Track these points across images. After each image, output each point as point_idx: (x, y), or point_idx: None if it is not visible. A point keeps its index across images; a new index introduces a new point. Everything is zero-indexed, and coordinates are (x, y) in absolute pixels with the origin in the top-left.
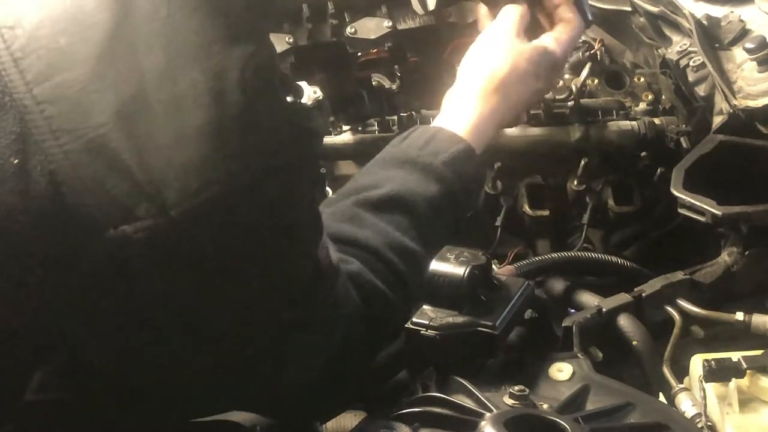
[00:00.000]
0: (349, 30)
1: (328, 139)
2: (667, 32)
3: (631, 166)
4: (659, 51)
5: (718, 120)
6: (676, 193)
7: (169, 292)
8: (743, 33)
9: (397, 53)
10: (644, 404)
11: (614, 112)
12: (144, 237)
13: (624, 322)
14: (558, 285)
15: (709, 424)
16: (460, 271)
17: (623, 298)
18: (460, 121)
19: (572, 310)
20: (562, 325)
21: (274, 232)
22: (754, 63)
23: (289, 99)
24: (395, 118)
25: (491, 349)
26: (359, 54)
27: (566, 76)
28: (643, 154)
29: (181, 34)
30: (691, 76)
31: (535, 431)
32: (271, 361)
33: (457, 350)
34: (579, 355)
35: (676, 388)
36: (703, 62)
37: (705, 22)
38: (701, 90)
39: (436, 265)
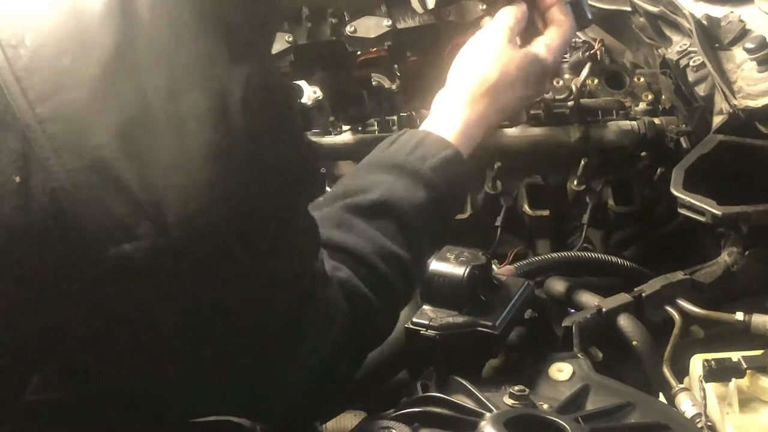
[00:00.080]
0: (348, 29)
1: (328, 139)
2: (667, 32)
3: (631, 166)
4: (659, 51)
5: (718, 120)
6: (676, 193)
7: (168, 310)
8: (743, 33)
9: (397, 52)
10: (644, 404)
11: (614, 112)
12: (144, 255)
13: (624, 322)
14: (558, 285)
15: (709, 424)
16: (460, 271)
17: (623, 298)
18: (449, 125)
19: (572, 310)
20: (562, 325)
21: (274, 251)
22: (754, 63)
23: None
24: (395, 118)
25: (491, 349)
26: (358, 53)
27: (566, 76)
28: (643, 154)
29: (184, 55)
30: (691, 76)
31: (534, 431)
32: (264, 369)
33: (457, 350)
34: (579, 355)
35: (676, 388)
36: (703, 62)
37: (705, 22)
38: (701, 90)
39: (436, 265)
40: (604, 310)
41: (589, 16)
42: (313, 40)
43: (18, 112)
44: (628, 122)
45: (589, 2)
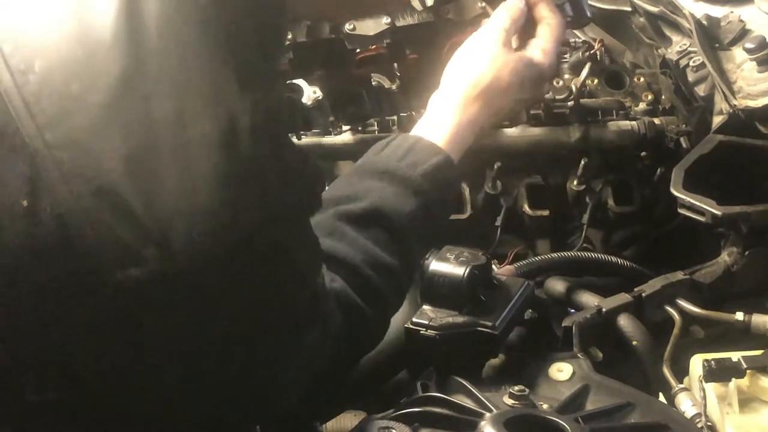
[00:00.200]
0: (347, 26)
1: (328, 139)
2: (667, 32)
3: (631, 166)
4: (659, 51)
5: (718, 120)
6: (676, 193)
7: (174, 330)
8: (743, 33)
9: (396, 50)
10: (644, 404)
11: (614, 112)
12: (150, 279)
13: (624, 322)
14: (558, 285)
15: (709, 424)
16: (460, 271)
17: (623, 298)
18: (440, 129)
19: (572, 310)
20: (562, 325)
21: (279, 272)
22: (754, 63)
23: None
24: (395, 118)
25: (491, 349)
26: (357, 50)
27: (566, 76)
28: (643, 154)
29: (192, 82)
30: (691, 76)
31: (534, 431)
32: (265, 382)
33: (457, 350)
34: (579, 355)
35: (676, 388)
36: (703, 62)
37: (705, 22)
38: (701, 90)
39: (436, 265)
40: (604, 310)
41: (588, 14)
42: (312, 37)
43: (27, 137)
44: (628, 122)
45: (589, 2)
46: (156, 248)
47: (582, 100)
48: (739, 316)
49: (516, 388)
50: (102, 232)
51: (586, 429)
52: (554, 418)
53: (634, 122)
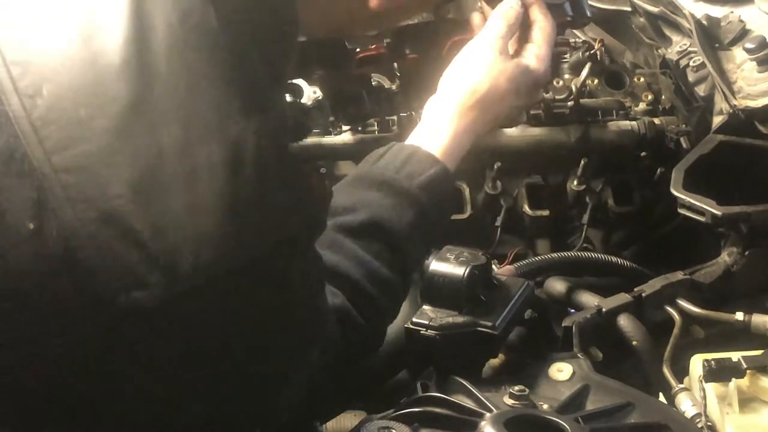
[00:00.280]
0: None
1: (328, 139)
2: (667, 32)
3: (631, 166)
4: (659, 51)
5: (718, 120)
6: (676, 193)
7: (178, 353)
8: (743, 33)
9: (396, 50)
10: (644, 404)
11: (614, 112)
12: (155, 304)
13: (624, 322)
14: (558, 285)
15: (709, 424)
16: (460, 271)
17: (623, 298)
18: (437, 137)
19: (572, 310)
20: (562, 325)
21: (284, 299)
22: (754, 63)
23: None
24: (395, 118)
25: (491, 349)
26: (357, 50)
27: (566, 76)
28: (643, 154)
29: (200, 108)
30: (691, 76)
31: (534, 431)
32: (265, 398)
33: (457, 350)
34: (579, 355)
35: (676, 388)
36: (703, 62)
37: (705, 22)
38: (701, 90)
39: (436, 265)
40: (604, 310)
41: (588, 14)
42: (312, 37)
43: (34, 160)
44: (628, 122)
45: (589, 2)
46: (161, 273)
47: (582, 100)
48: (739, 316)
49: (516, 388)
50: (107, 257)
51: (586, 429)
52: (554, 418)
53: (634, 122)
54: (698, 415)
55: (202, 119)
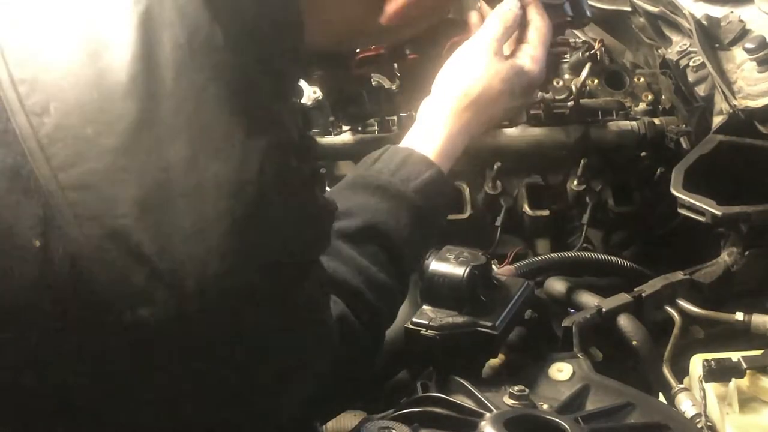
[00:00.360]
0: None
1: (328, 139)
2: (667, 32)
3: (631, 166)
4: (659, 51)
5: (718, 120)
6: (676, 193)
7: (183, 368)
8: (743, 33)
9: (396, 50)
10: (644, 404)
11: (614, 112)
12: (160, 321)
13: (624, 322)
14: (558, 285)
15: (709, 424)
16: (460, 271)
17: (623, 298)
18: (431, 140)
19: (572, 310)
20: (562, 325)
21: (289, 315)
22: (754, 63)
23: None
24: (395, 118)
25: (491, 349)
26: (357, 51)
27: (566, 76)
28: (643, 154)
29: (207, 127)
30: (691, 76)
31: (534, 431)
32: (266, 411)
33: (457, 350)
34: (579, 355)
35: (676, 388)
36: (703, 62)
37: (705, 22)
38: (701, 90)
39: (436, 265)
40: (604, 310)
41: (588, 14)
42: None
43: (41, 178)
44: (628, 122)
45: (589, 2)
46: (166, 290)
47: (582, 100)
48: (739, 316)
49: (516, 388)
50: (113, 274)
51: (586, 429)
52: (554, 419)
53: (634, 122)
54: (698, 415)
55: (209, 137)
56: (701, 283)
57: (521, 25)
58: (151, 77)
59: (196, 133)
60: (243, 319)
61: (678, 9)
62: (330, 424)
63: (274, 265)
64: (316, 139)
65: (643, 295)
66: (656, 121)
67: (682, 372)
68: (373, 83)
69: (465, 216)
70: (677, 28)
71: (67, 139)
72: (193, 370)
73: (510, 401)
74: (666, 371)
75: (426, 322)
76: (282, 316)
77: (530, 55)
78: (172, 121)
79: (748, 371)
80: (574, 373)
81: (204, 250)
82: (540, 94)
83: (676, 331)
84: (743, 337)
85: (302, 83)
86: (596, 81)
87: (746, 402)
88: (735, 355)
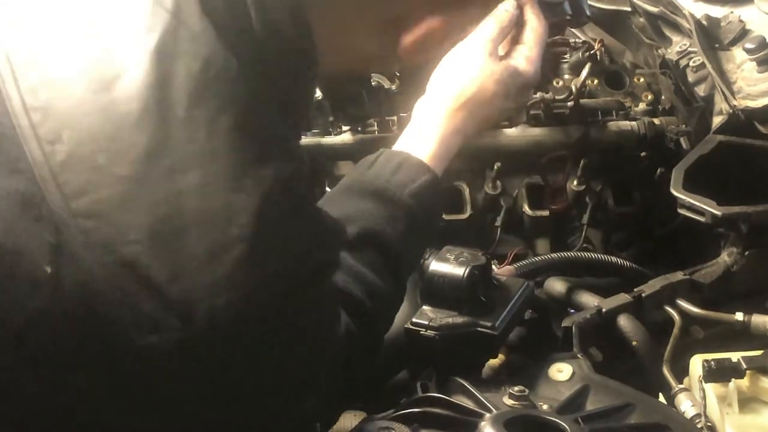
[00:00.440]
0: None
1: (328, 139)
2: (667, 32)
3: (631, 166)
4: (659, 51)
5: (717, 120)
6: (676, 194)
7: (193, 396)
8: (743, 33)
9: None
10: (644, 404)
11: (614, 112)
12: (171, 347)
13: (624, 322)
14: (558, 285)
15: (708, 424)
16: (459, 271)
17: (623, 298)
18: (425, 142)
19: (572, 310)
20: (562, 325)
21: (301, 338)
22: (754, 63)
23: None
24: (395, 118)
25: (491, 349)
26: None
27: (566, 76)
28: (643, 154)
29: (218, 156)
30: (691, 77)
31: None
32: (273, 425)
33: (457, 350)
34: (579, 355)
35: (676, 389)
36: (703, 62)
37: (705, 23)
38: (701, 90)
39: (436, 265)
40: (603, 310)
41: (587, 13)
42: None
43: (53, 205)
44: (628, 122)
45: (589, 2)
46: (177, 318)
47: (582, 100)
48: (739, 316)
49: (516, 388)
50: (124, 301)
51: (586, 429)
52: (554, 419)
53: (634, 122)
54: (698, 415)
55: (220, 167)
56: (701, 283)
57: (518, 24)
58: (163, 105)
59: (207, 163)
60: (254, 345)
61: (678, 9)
62: None
63: (286, 291)
64: (323, 166)
65: (643, 295)
66: (656, 121)
67: (682, 372)
68: (373, 83)
69: (465, 216)
70: (677, 28)
71: (79, 167)
72: (203, 391)
73: (510, 401)
74: (666, 371)
75: (426, 323)
76: (294, 339)
77: (525, 56)
78: (183, 151)
79: (747, 371)
80: (574, 373)
81: (215, 278)
82: (540, 94)
83: (676, 331)
84: (743, 337)
85: None
86: (596, 81)
87: (746, 402)
88: (735, 356)
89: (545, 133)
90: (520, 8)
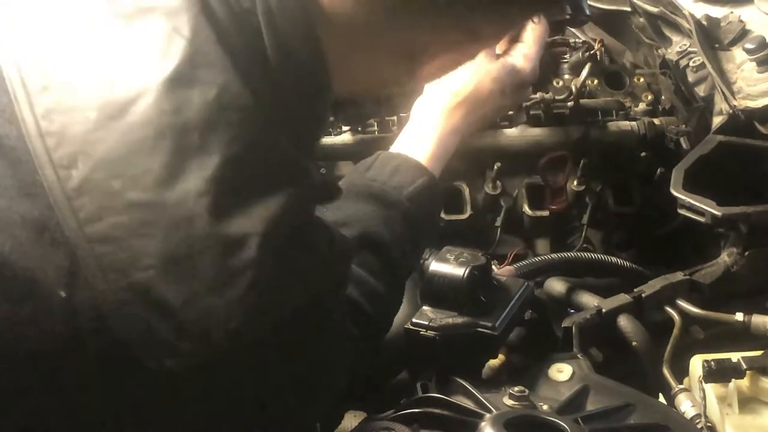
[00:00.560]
0: None
1: (328, 140)
2: (667, 32)
3: (631, 166)
4: (659, 51)
5: (717, 120)
6: (675, 194)
7: (208, 417)
8: (743, 33)
9: None
10: (644, 405)
11: (614, 112)
12: (185, 369)
13: (624, 322)
14: (558, 285)
15: (708, 424)
16: (459, 271)
17: (623, 298)
18: (423, 143)
19: (572, 311)
20: (562, 325)
21: (315, 357)
22: (754, 63)
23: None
24: (395, 118)
25: (491, 349)
26: None
27: (566, 77)
28: (643, 154)
29: (231, 182)
30: (691, 77)
31: None
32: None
33: (457, 351)
34: (579, 355)
35: (676, 389)
36: (703, 62)
37: (705, 23)
38: (701, 90)
39: (436, 266)
40: (603, 310)
41: (587, 12)
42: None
43: (67, 230)
44: (628, 122)
45: (589, 2)
46: (191, 342)
47: (582, 101)
48: (739, 316)
49: (516, 388)
50: (138, 326)
51: (586, 430)
52: (554, 419)
53: (634, 122)
54: (698, 415)
55: (233, 192)
56: (701, 283)
57: None
58: (177, 130)
59: (221, 188)
60: (268, 364)
61: (678, 9)
62: None
63: (298, 312)
64: (337, 185)
65: (643, 295)
66: (656, 121)
67: (682, 372)
68: None
69: (465, 216)
70: (677, 28)
71: (94, 193)
72: (217, 408)
73: (510, 402)
74: (666, 372)
75: (426, 323)
76: (308, 357)
77: (523, 54)
78: (196, 177)
79: (748, 372)
80: (574, 373)
81: (228, 302)
82: (540, 94)
83: (676, 331)
84: (743, 337)
85: None
86: (596, 81)
87: (746, 402)
88: (735, 356)
89: (545, 133)
90: None
